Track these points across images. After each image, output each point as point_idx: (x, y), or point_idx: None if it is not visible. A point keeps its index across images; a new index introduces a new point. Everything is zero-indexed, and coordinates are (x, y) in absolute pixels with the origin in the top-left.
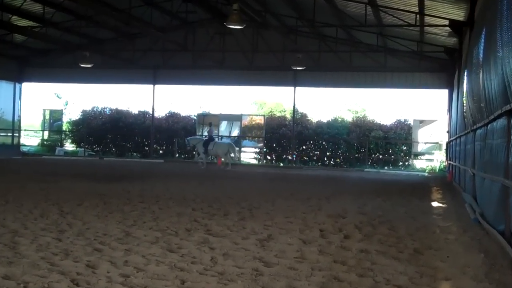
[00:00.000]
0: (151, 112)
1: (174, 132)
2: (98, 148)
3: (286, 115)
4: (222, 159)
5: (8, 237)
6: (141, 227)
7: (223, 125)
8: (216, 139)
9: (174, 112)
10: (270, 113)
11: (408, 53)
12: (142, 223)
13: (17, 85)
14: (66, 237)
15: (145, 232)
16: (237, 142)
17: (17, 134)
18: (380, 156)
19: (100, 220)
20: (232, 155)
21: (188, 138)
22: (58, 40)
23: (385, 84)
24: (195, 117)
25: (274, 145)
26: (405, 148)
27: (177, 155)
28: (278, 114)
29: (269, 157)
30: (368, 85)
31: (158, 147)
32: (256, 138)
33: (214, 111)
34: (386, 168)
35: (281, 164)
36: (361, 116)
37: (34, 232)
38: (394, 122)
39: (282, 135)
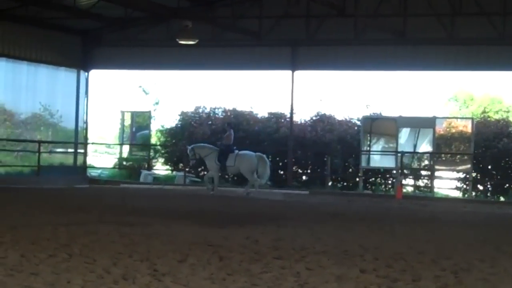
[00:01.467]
0: (288, 115)
1: (325, 146)
2: (206, 171)
3: (509, 118)
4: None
5: None
6: None
7: (404, 134)
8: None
9: (324, 114)
10: (482, 115)
11: None
12: None
13: (82, 74)
14: None
15: None
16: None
17: (81, 150)
18: None
19: (215, 286)
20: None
21: (192, 146)
22: (144, 4)
23: None
24: (358, 122)
25: (489, 167)
26: None
27: (330, 182)
28: (494, 116)
29: (480, 187)
30: None
31: (300, 170)
32: (452, 156)
33: (389, 112)
34: None
35: (502, 199)
36: None
37: None
38: None
39: (502, 150)
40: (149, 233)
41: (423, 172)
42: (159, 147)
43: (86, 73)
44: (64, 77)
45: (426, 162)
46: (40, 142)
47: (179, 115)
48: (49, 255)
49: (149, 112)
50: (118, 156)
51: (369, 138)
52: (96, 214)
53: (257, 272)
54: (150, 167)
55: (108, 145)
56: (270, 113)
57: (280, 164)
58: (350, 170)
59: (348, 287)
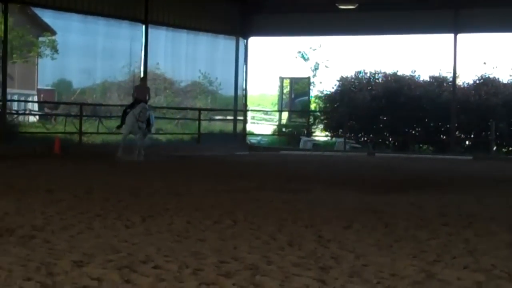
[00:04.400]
0: (450, 78)
1: (489, 111)
2: (366, 137)
3: None
4: None
5: (245, 275)
6: (449, 265)
7: None
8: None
9: (488, 76)
10: None
11: None
12: (450, 259)
13: (241, 42)
14: (333, 277)
15: (458, 273)
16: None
17: (241, 117)
18: None
19: (382, 253)
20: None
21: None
22: None
23: None
24: None
25: None
26: None
27: (494, 147)
28: None
29: None
30: None
31: (463, 135)
32: None
33: None
34: None
35: None
36: None
37: (282, 269)
38: None
39: None
40: (311, 200)
41: None
42: (318, 113)
43: (245, 40)
44: (223, 45)
45: None
46: (200, 110)
47: (338, 80)
48: (214, 222)
49: (308, 78)
50: (277, 123)
51: None
52: (258, 181)
53: (424, 239)
54: (309, 134)
55: (266, 112)
56: (431, 77)
57: (442, 129)
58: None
59: None
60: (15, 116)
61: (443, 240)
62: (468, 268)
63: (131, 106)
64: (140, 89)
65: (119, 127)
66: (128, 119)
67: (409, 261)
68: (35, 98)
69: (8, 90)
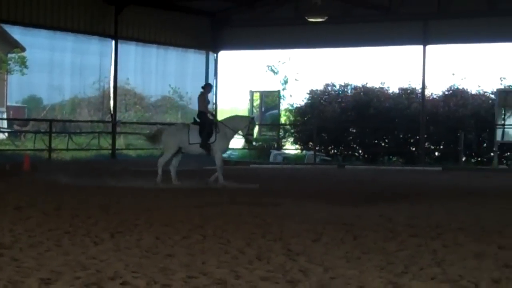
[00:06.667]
0: (419, 90)
1: (458, 122)
2: (336, 150)
3: None
4: None
5: None
6: (416, 276)
7: None
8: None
9: (457, 88)
10: None
11: None
12: (417, 270)
13: (211, 56)
14: None
15: (425, 284)
16: None
17: None
18: None
19: (350, 265)
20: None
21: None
22: None
23: None
24: (493, 96)
25: None
26: None
27: (464, 158)
28: None
29: None
30: None
31: (432, 147)
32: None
33: None
34: None
35: None
36: None
37: (250, 283)
38: None
39: None
40: (281, 213)
41: None
42: (288, 126)
43: (215, 55)
44: (193, 59)
45: None
46: (170, 125)
47: (308, 93)
48: (183, 237)
49: (278, 91)
50: None
51: (503, 111)
52: (228, 195)
53: (393, 250)
54: (279, 147)
55: None
56: (401, 89)
57: (412, 140)
58: (484, 145)
59: (487, 264)
60: None
61: (411, 252)
62: (436, 279)
63: (204, 119)
64: (205, 99)
65: (204, 147)
66: (224, 135)
67: (377, 273)
68: (4, 115)
69: None
